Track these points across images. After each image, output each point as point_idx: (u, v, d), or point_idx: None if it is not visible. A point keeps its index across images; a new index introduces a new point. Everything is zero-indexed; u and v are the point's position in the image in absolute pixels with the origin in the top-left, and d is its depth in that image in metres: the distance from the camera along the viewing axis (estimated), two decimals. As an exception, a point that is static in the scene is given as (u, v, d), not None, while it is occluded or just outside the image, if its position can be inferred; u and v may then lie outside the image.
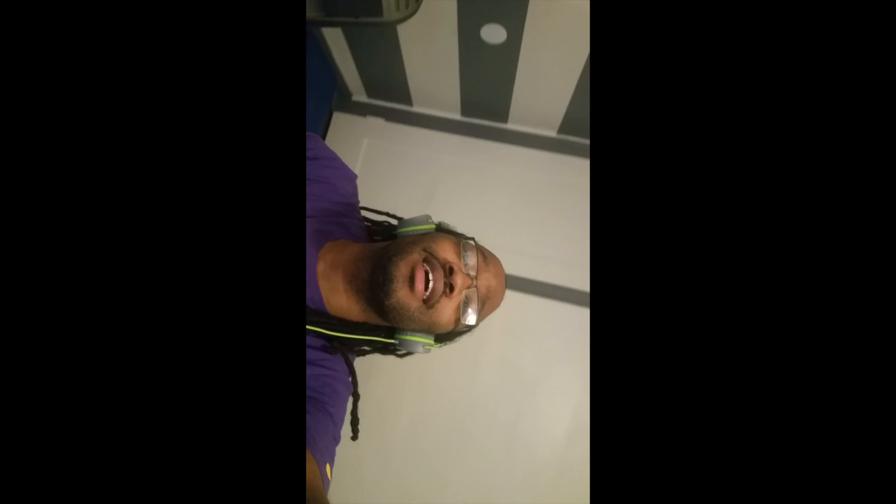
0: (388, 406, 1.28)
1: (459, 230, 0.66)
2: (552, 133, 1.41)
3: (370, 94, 1.47)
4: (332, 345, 0.57)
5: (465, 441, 1.26)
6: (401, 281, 0.54)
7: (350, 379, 0.60)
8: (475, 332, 0.63)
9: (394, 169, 1.43)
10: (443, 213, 1.33)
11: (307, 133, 0.66)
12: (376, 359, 0.66)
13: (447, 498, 1.24)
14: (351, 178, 0.72)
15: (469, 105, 1.40)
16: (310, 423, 0.50)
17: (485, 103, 1.37)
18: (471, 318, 0.57)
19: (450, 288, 0.55)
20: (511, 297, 1.24)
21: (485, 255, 0.61)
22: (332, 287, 0.59)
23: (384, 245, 0.60)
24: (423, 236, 0.59)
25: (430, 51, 1.20)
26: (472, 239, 0.61)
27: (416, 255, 0.55)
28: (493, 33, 1.08)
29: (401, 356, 0.66)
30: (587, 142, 1.38)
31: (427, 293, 0.54)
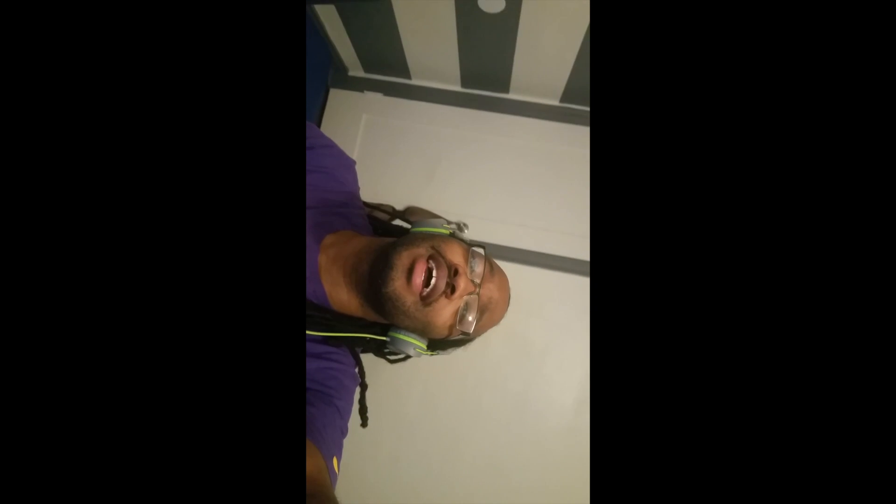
0: (400, 384, 1.30)
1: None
2: (555, 101, 1.37)
3: (367, 68, 1.43)
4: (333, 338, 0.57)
5: (476, 413, 1.29)
6: (400, 270, 0.53)
7: (357, 370, 0.60)
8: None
9: (395, 144, 1.40)
10: (446, 186, 1.33)
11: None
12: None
13: (460, 468, 1.28)
14: (349, 165, 0.70)
15: (469, 76, 1.35)
16: (316, 417, 0.50)
17: (485, 73, 1.33)
18: (468, 326, 0.56)
19: (451, 289, 0.54)
20: (517, 269, 1.26)
21: (492, 266, 0.60)
22: (334, 281, 0.59)
23: (393, 239, 0.59)
24: (435, 236, 0.58)
25: (426, 21, 1.15)
26: (483, 248, 0.60)
27: (422, 250, 0.55)
28: (492, 1, 1.03)
29: (392, 362, 0.65)
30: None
31: (427, 290, 0.54)
